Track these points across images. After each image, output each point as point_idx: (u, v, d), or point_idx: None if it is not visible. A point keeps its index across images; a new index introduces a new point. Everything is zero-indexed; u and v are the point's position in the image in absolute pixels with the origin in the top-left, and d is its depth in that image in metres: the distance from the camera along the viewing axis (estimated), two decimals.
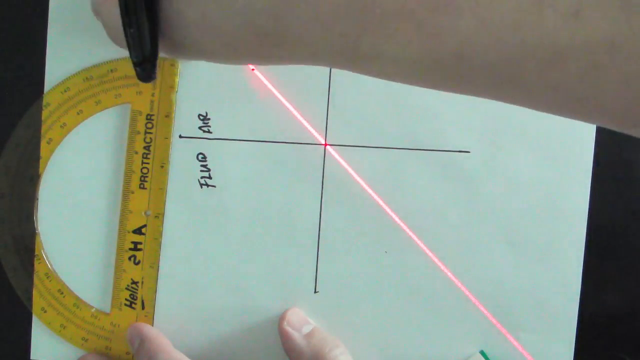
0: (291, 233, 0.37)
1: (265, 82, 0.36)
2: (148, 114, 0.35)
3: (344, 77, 0.36)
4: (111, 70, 0.35)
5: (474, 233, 0.37)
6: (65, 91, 0.35)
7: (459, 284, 0.37)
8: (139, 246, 0.36)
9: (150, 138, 0.35)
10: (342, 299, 0.37)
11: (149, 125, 0.35)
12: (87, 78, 0.35)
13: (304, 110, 0.36)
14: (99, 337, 0.36)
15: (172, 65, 0.35)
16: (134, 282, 0.36)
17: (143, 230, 0.36)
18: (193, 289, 0.36)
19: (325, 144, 0.36)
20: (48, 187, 0.36)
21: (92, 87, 0.35)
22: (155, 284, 0.36)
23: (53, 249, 0.36)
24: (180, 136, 0.36)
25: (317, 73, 0.36)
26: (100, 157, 0.36)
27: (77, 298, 0.36)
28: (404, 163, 0.37)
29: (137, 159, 0.35)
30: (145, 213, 0.36)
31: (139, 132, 0.35)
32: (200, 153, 0.36)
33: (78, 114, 0.35)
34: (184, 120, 0.36)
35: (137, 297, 0.36)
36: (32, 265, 0.35)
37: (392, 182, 0.37)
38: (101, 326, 0.36)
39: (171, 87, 0.35)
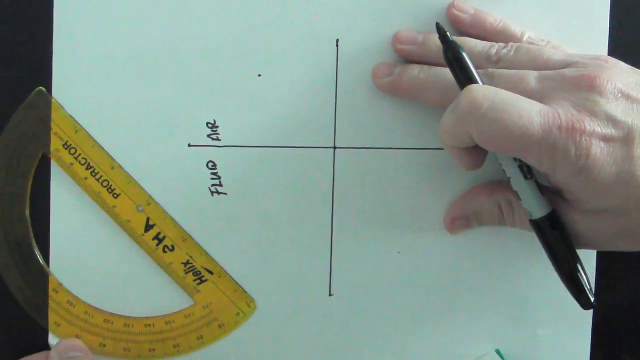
0: (304, 237, 0.37)
1: (272, 87, 0.36)
2: (65, 145, 0.35)
3: (350, 79, 0.36)
4: None
5: (486, 230, 0.37)
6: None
7: (473, 282, 0.37)
8: (160, 236, 0.36)
9: (85, 159, 0.35)
10: (356, 300, 0.37)
11: (72, 152, 0.35)
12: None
13: (311, 113, 0.36)
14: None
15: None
16: (185, 264, 0.36)
17: (150, 222, 0.36)
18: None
19: (335, 147, 0.36)
20: (57, 207, 0.36)
21: None
22: (200, 247, 0.36)
23: (59, 263, 0.36)
24: (189, 145, 0.36)
25: (323, 76, 0.36)
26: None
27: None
28: (414, 163, 0.37)
29: (91, 182, 0.35)
30: (138, 209, 0.36)
31: (72, 164, 0.35)
32: (210, 161, 0.36)
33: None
34: (193, 128, 0.36)
35: (200, 271, 0.36)
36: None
37: (402, 182, 0.37)
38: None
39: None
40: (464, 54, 0.31)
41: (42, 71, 0.35)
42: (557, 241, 0.32)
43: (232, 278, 0.36)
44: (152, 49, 0.35)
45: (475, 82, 0.31)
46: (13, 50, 0.35)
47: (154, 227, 0.36)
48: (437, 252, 0.37)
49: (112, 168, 0.36)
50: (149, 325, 0.36)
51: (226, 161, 0.36)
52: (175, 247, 0.36)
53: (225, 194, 0.36)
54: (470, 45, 0.34)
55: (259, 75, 0.36)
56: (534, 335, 0.38)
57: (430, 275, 0.37)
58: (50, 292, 0.36)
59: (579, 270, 0.32)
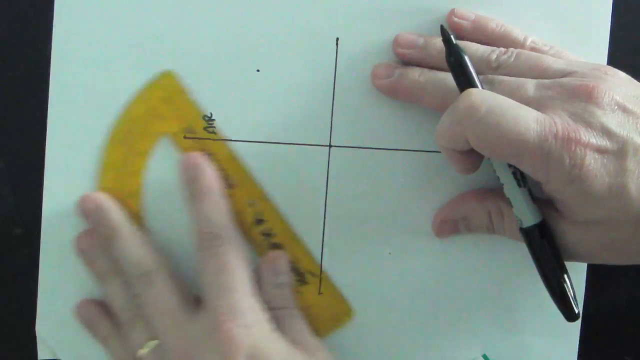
0: (295, 233, 0.37)
1: (270, 83, 0.36)
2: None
3: (348, 79, 0.36)
4: None
5: (478, 236, 0.37)
6: None
7: (463, 286, 0.37)
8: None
9: None
10: (345, 300, 0.37)
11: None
12: None
13: (308, 111, 0.36)
14: None
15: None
16: None
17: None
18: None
19: (330, 145, 0.36)
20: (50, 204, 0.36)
21: None
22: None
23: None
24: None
25: (321, 74, 0.36)
26: None
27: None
28: (409, 164, 0.37)
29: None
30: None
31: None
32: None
33: None
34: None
35: None
36: None
37: (396, 184, 0.37)
38: None
39: None
40: (467, 59, 0.31)
41: (42, 66, 0.35)
42: (546, 251, 0.32)
43: None
44: (152, 40, 0.35)
45: (475, 87, 0.31)
46: (10, 43, 0.35)
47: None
48: (429, 255, 0.37)
49: None
50: None
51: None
52: None
53: None
54: (471, 50, 0.33)
55: (258, 70, 0.36)
56: (522, 342, 0.38)
57: (420, 278, 0.37)
58: None
59: (565, 282, 0.32)
